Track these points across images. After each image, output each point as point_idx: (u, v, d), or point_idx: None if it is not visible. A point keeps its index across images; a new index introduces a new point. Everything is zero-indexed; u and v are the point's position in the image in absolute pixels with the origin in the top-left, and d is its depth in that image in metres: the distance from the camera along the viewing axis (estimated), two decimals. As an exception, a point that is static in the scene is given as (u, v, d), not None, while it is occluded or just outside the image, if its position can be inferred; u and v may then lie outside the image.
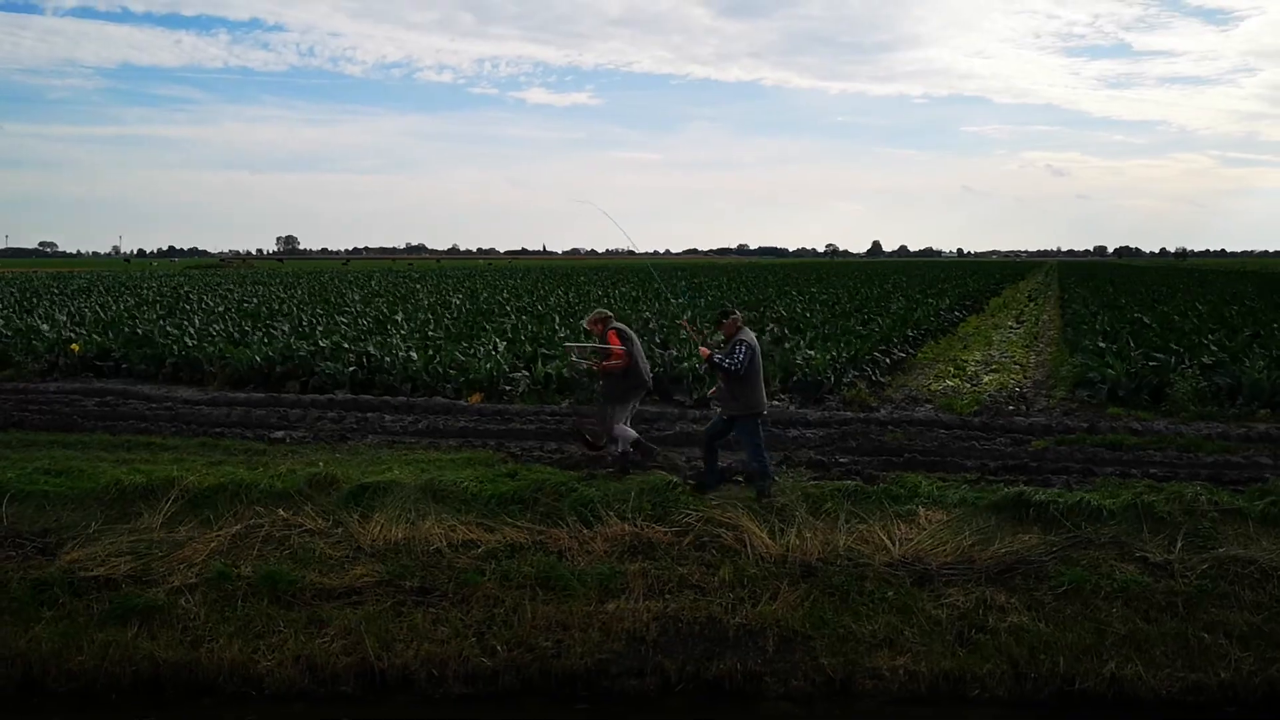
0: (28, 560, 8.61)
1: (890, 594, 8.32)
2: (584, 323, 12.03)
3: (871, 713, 7.57)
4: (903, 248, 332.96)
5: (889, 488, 9.78)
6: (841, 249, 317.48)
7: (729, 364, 9.65)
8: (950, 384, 17.99)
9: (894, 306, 33.82)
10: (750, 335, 9.90)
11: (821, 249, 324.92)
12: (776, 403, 15.62)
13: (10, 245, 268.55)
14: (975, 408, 15.14)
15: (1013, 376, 19.12)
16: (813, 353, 18.24)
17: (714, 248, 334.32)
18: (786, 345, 19.89)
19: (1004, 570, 8.52)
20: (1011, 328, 30.91)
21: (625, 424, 10.77)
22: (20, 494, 9.39)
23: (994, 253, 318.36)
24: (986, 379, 18.79)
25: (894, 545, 8.86)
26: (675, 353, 18.20)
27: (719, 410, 10.21)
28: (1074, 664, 7.75)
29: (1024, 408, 15.37)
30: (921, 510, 9.35)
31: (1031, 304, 42.67)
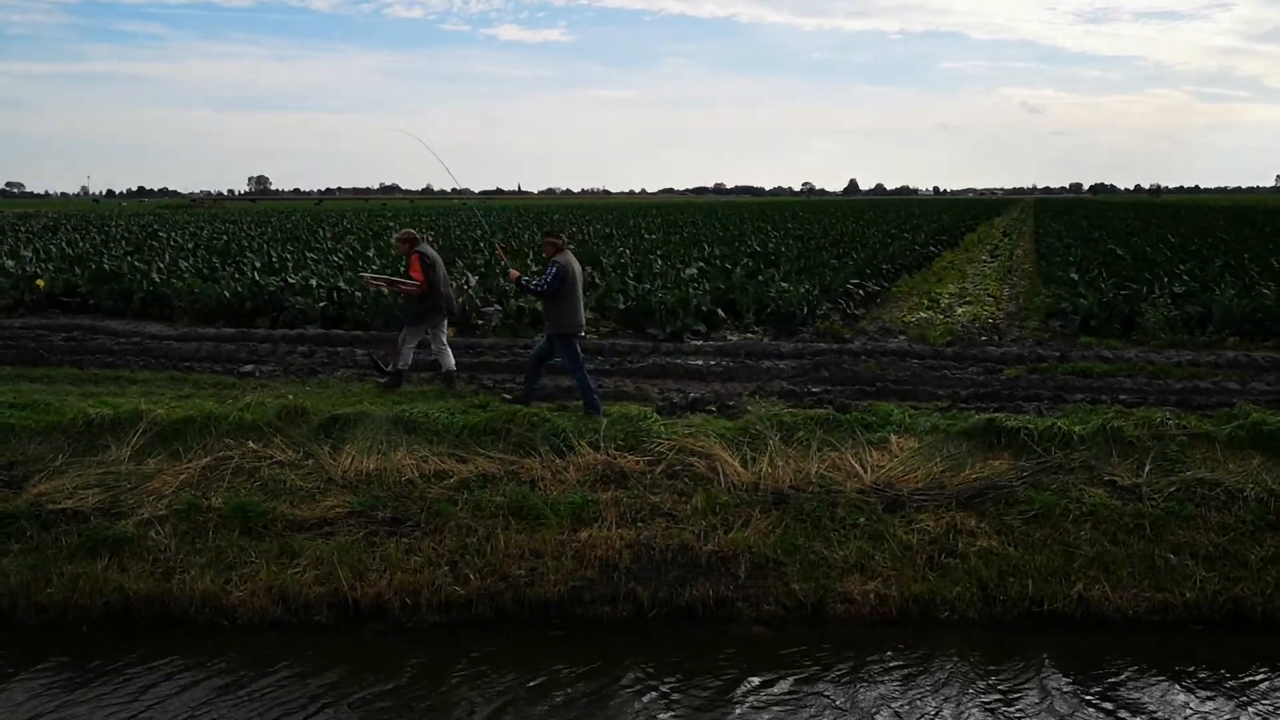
0: (-6, 494, 8.51)
1: (862, 520, 8.37)
2: (392, 239, 12.57)
3: (843, 636, 7.63)
4: (879, 186, 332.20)
5: (861, 416, 9.79)
6: (818, 188, 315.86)
7: (535, 285, 10.14)
8: (924, 316, 18.01)
9: (869, 242, 33.77)
10: (567, 258, 10.29)
11: (798, 188, 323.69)
12: (750, 335, 15.61)
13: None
14: (948, 338, 15.18)
15: (986, 308, 19.16)
16: (786, 285, 18.20)
17: (690, 186, 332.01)
18: (760, 279, 19.83)
19: (974, 495, 8.58)
20: (986, 262, 30.94)
21: (443, 347, 11.54)
22: (-15, 428, 9.26)
23: (970, 190, 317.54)
24: (960, 311, 18.82)
25: (866, 472, 8.89)
26: (648, 286, 18.12)
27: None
28: (1042, 586, 7.83)
29: (997, 338, 15.42)
30: (893, 438, 9.38)
31: (1006, 239, 42.72)
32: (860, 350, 14.04)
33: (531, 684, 6.99)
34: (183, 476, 8.77)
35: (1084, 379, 12.25)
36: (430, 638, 7.63)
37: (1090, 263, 24.23)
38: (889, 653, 7.39)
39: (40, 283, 19.48)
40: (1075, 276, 20.83)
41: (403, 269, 11.98)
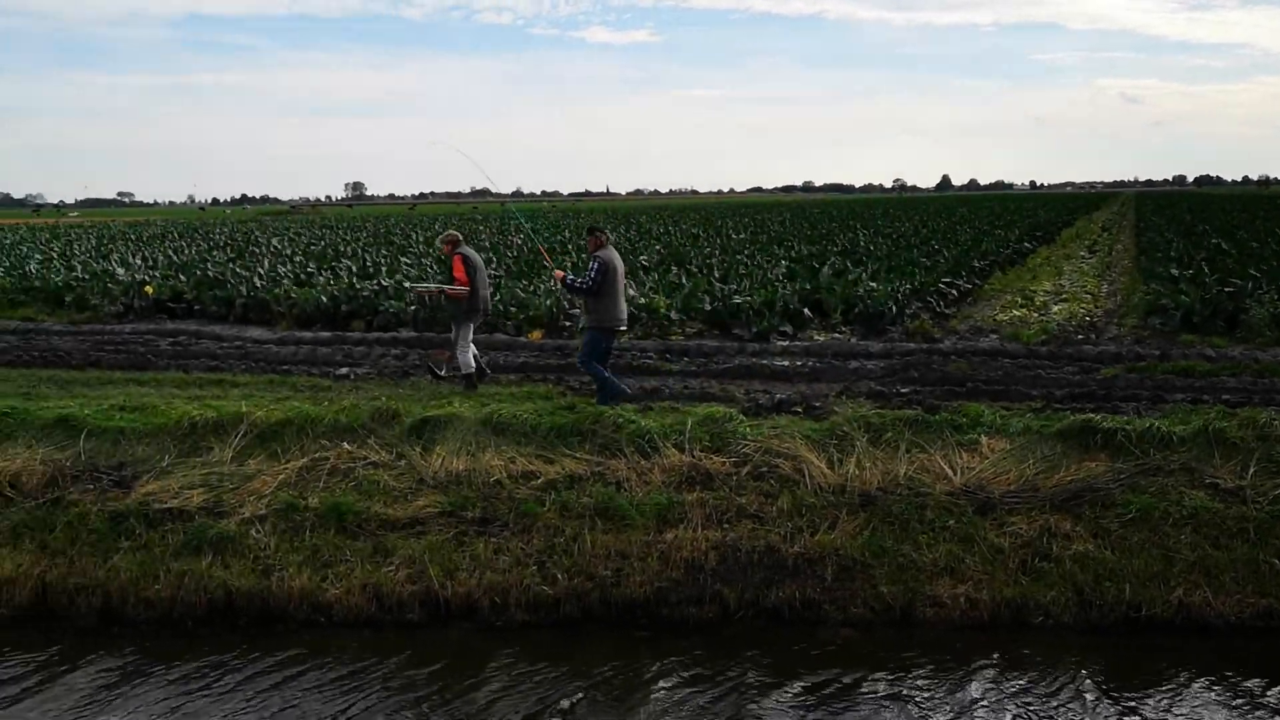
0: (105, 493, 8.87)
1: (951, 522, 8.26)
2: (437, 241, 12.85)
3: (932, 640, 7.55)
4: (973, 181, 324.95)
5: (951, 417, 9.66)
6: (909, 184, 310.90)
7: (579, 282, 10.42)
8: (1017, 314, 17.66)
9: (961, 239, 33.22)
10: (609, 253, 10.49)
11: (889, 185, 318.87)
12: (837, 335, 15.50)
13: (90, 195, 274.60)
14: (1042, 337, 14.87)
15: (1083, 306, 18.72)
16: (875, 285, 18.02)
17: (778, 186, 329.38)
18: (848, 278, 19.66)
19: (1069, 498, 8.41)
20: (1083, 258, 30.21)
21: (467, 348, 11.77)
22: (97, 430, 9.65)
23: (1068, 184, 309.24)
24: (1055, 309, 18.42)
25: (955, 474, 8.77)
26: (734, 286, 18.10)
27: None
28: (1140, 591, 7.65)
29: (1093, 336, 15.06)
30: (984, 439, 9.23)
31: (1105, 234, 41.64)
32: (950, 350, 13.84)
33: (619, 685, 7.06)
34: (281, 477, 9.03)
35: (1185, 378, 11.90)
36: (519, 637, 7.75)
37: (1192, 258, 23.49)
38: (980, 657, 7.28)
39: (149, 289, 20.21)
40: (1176, 272, 20.23)
41: (444, 270, 12.33)
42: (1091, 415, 9.55)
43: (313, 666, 7.30)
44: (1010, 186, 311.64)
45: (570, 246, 31.73)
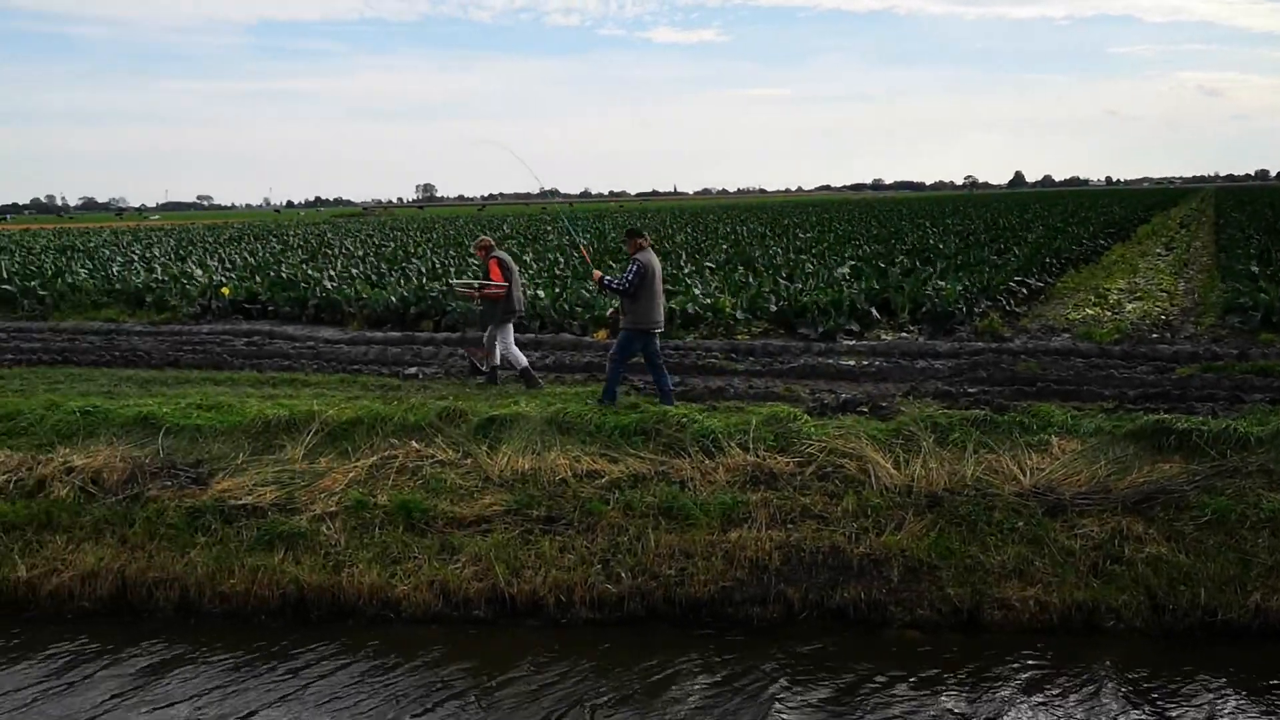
0: (183, 489, 9.11)
1: (1020, 524, 8.15)
2: (470, 246, 13.09)
3: (1000, 643, 7.46)
4: (1046, 178, 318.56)
5: (1020, 417, 9.52)
6: (981, 181, 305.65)
7: (616, 283, 10.46)
8: (1090, 313, 17.34)
9: (1033, 236, 32.67)
10: (648, 256, 10.51)
11: (960, 182, 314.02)
12: (904, 335, 15.35)
13: (170, 199, 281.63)
14: (1116, 336, 14.58)
15: (1158, 304, 18.32)
16: (943, 283, 17.81)
17: (848, 184, 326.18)
18: (917, 277, 19.45)
19: (1142, 500, 8.24)
20: (1160, 255, 29.55)
21: (510, 346, 12.24)
22: (175, 428, 9.92)
23: (1146, 180, 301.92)
24: (1130, 307, 18.05)
25: (1024, 475, 8.64)
26: (800, 285, 18.01)
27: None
28: (1216, 595, 7.48)
29: (1169, 335, 14.73)
30: (1054, 440, 9.09)
31: (1183, 230, 40.67)
32: (1020, 349, 13.63)
33: (685, 682, 7.07)
34: (351, 474, 9.19)
35: (1264, 378, 11.59)
36: (584, 634, 7.81)
37: (1273, 255, 22.83)
38: (1050, 661, 7.18)
39: (225, 290, 20.69)
40: (1256, 269, 19.69)
41: (480, 274, 12.89)
42: (1165, 416, 9.36)
43: (383, 661, 7.44)
44: (1086, 183, 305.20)
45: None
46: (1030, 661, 7.19)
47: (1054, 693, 6.79)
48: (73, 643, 7.80)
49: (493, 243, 12.76)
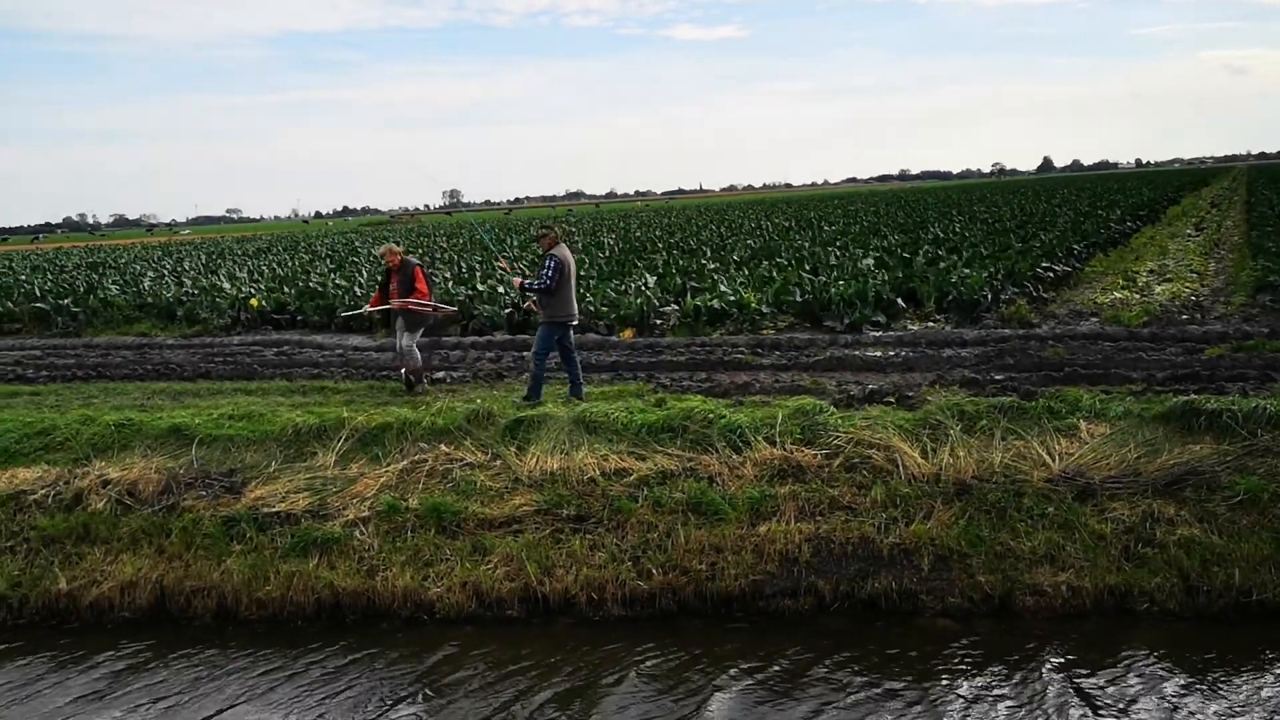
0: (217, 498, 9.24)
1: (1050, 509, 8.12)
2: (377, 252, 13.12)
3: (1033, 629, 7.44)
4: (1075, 162, 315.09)
5: (1048, 402, 9.47)
6: (1009, 168, 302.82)
7: (537, 284, 10.86)
8: (1119, 296, 17.21)
9: (1060, 221, 32.43)
10: (563, 251, 10.99)
11: (987, 169, 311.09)
12: (931, 324, 15.30)
13: (200, 214, 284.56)
14: (1144, 318, 14.47)
15: (1188, 285, 18.14)
16: (969, 271, 17.73)
17: (873, 175, 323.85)
18: (942, 265, 19.37)
19: (1173, 482, 8.19)
20: (1190, 236, 29.26)
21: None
22: (208, 438, 10.05)
23: (1176, 160, 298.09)
24: (1159, 289, 17.89)
25: (1053, 460, 8.61)
26: (824, 278, 17.99)
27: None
28: (1250, 575, 7.44)
29: (1199, 316, 14.60)
30: (1083, 424, 9.04)
31: (1214, 210, 40.21)
32: (1048, 335, 13.56)
33: (719, 676, 7.10)
34: (382, 479, 9.29)
35: (1296, 356, 11.47)
36: (617, 631, 7.85)
37: (1307, 231, 22.57)
38: (1084, 646, 7.16)
39: (254, 302, 20.90)
40: (1289, 247, 19.47)
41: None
42: (1195, 396, 9.29)
43: (418, 662, 7.52)
44: (1115, 166, 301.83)
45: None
46: (1064, 646, 7.17)
47: (1089, 676, 6.76)
48: (115, 653, 7.93)
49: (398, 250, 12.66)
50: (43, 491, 9.46)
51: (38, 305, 22.59)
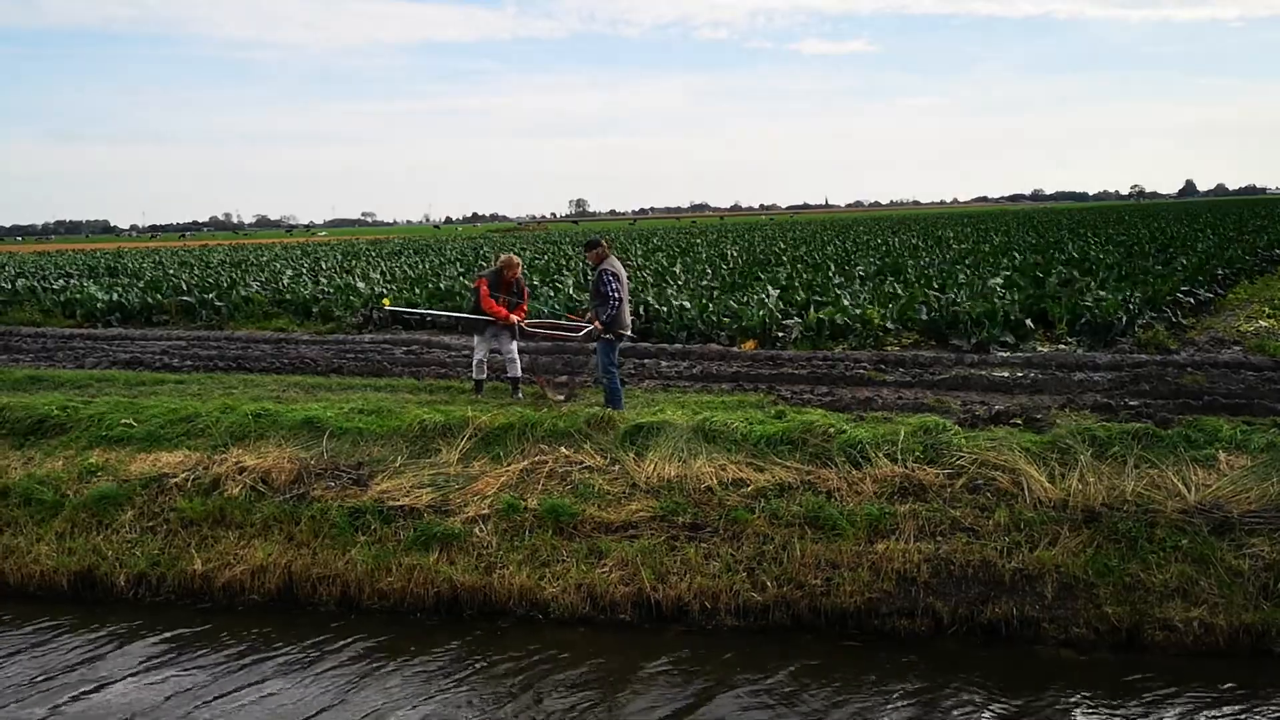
0: (345, 490, 9.54)
1: (1184, 542, 7.81)
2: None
3: (1161, 665, 7.17)
4: (1219, 186, 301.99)
5: (1184, 431, 9.11)
6: (1149, 190, 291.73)
7: (611, 309, 10.84)
8: (1264, 324, 16.45)
9: (1201, 246, 31.16)
10: (615, 264, 10.86)
11: (1125, 191, 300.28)
12: (1062, 346, 14.88)
13: (336, 216, 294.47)
14: (1293, 349, 13.79)
15: (1342, 316, 17.23)
16: (1104, 294, 17.18)
17: (1005, 195, 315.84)
18: (1075, 287, 18.81)
19: (1319, 520, 7.79)
20: (1346, 264, 27.76)
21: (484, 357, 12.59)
22: (339, 431, 10.38)
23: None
24: (1310, 319, 17.03)
25: (1189, 491, 8.28)
26: (951, 296, 17.66)
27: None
28: (1401, 623, 7.02)
29: (1354, 349, 13.86)
30: (1222, 455, 8.68)
31: (1372, 238, 38.04)
32: (1186, 362, 13.04)
33: (835, 694, 7.03)
34: (503, 479, 9.47)
35: None
36: (729, 641, 7.84)
37: None
38: (1216, 686, 6.87)
39: (386, 302, 21.52)
40: None
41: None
42: (1347, 432, 8.82)
43: (532, 660, 7.63)
44: (1264, 190, 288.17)
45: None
46: (1194, 686, 6.89)
47: (1221, 718, 6.49)
48: (246, 633, 8.27)
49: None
50: (183, 475, 9.91)
51: (184, 299, 23.73)
